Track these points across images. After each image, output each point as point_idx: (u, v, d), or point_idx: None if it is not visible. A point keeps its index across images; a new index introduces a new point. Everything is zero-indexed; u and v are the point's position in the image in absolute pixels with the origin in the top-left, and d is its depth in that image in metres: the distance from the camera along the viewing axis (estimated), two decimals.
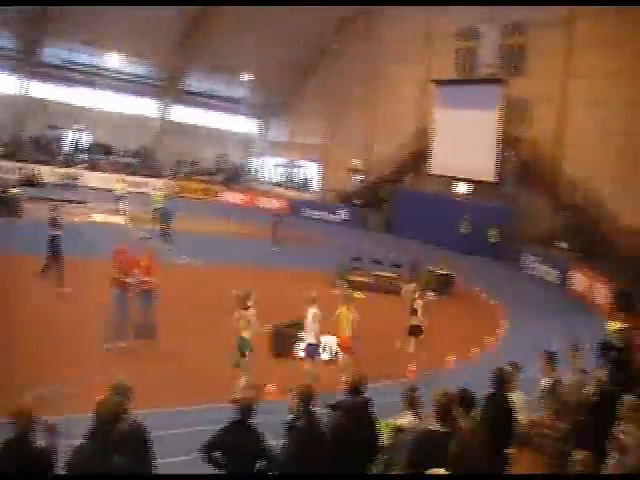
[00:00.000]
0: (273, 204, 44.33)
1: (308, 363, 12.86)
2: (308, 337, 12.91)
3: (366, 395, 6.82)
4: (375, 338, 16.68)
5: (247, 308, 12.06)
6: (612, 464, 7.86)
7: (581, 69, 31.96)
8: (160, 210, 29.14)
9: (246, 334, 11.95)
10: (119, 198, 32.91)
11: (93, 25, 39.71)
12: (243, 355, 11.83)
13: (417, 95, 41.57)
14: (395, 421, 6.91)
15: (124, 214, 31.61)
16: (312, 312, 12.85)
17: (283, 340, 14.48)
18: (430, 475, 7.18)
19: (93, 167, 45.48)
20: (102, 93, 48.09)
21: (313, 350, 12.94)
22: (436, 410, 6.08)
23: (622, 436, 7.69)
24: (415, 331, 15.62)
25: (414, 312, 15.75)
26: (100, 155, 47.98)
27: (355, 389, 6.67)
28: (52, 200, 24.80)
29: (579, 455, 6.02)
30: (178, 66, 47.31)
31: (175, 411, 10.63)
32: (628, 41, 29.49)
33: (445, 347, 16.08)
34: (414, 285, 17.12)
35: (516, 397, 8.26)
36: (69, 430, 6.24)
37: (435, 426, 6.02)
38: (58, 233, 17.86)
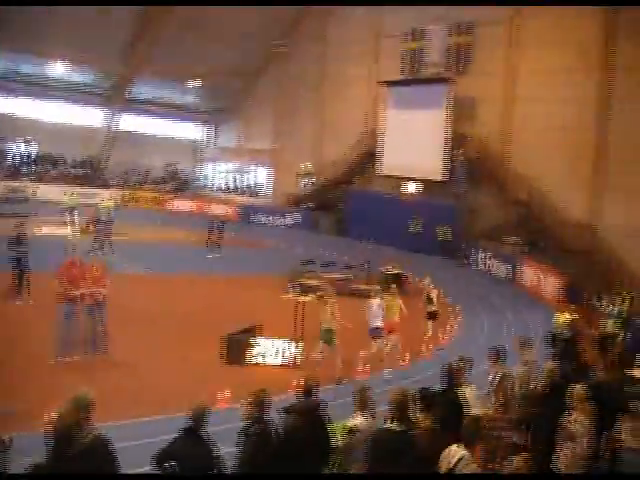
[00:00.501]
0: (222, 210, 44.22)
1: (375, 343, 14.72)
2: (374, 322, 14.80)
3: (318, 398, 6.83)
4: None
5: (327, 303, 14.12)
6: (563, 453, 8.04)
7: (524, 67, 32.55)
8: (106, 220, 28.80)
9: (331, 325, 13.97)
10: (70, 210, 32.32)
11: (36, 33, 38.87)
12: (329, 343, 13.77)
13: (366, 96, 41.79)
14: (348, 422, 6.94)
15: (74, 226, 31.09)
16: (377, 302, 14.95)
17: (237, 348, 14.40)
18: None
19: (40, 179, 44.68)
20: (48, 103, 47.36)
21: (376, 332, 14.78)
22: (392, 409, 6.11)
23: (571, 425, 7.86)
24: (433, 316, 18.45)
25: (430, 300, 18.43)
26: (47, 167, 47.18)
27: (307, 392, 6.67)
28: None
29: (517, 458, 6.14)
30: (124, 74, 46.74)
31: (128, 423, 10.49)
32: (569, 39, 30.11)
33: (400, 345, 16.14)
34: (429, 279, 19.37)
35: (467, 392, 8.35)
36: (20, 447, 6.12)
37: (391, 425, 6.05)
38: (25, 250, 17.77)
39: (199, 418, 6.09)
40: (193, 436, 6.03)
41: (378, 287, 17.08)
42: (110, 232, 27.88)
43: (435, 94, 35.61)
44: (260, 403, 6.34)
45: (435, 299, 18.61)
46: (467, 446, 6.05)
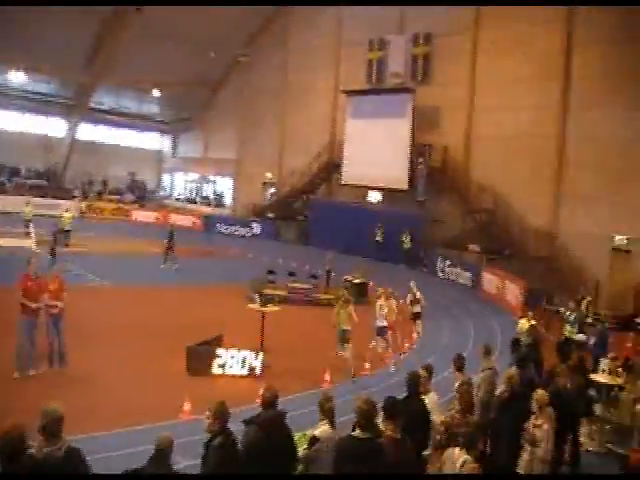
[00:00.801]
0: (186, 220, 44.08)
1: (380, 341, 16.13)
2: (378, 322, 16.09)
3: (280, 408, 6.78)
4: (293, 350, 16.72)
5: (347, 305, 15.32)
6: (525, 457, 8.11)
7: (484, 76, 32.94)
8: (65, 231, 28.49)
9: (349, 326, 15.06)
10: (27, 222, 31.83)
11: None
12: (346, 342, 14.92)
13: (328, 106, 41.97)
14: (311, 432, 6.90)
15: (32, 237, 30.63)
16: (380, 304, 16.25)
17: (199, 359, 14.27)
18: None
19: None
20: (6, 113, 46.69)
21: (381, 331, 16.12)
22: (357, 417, 6.09)
23: (532, 430, 7.94)
24: (417, 316, 19.51)
25: (417, 301, 19.48)
26: (5, 177, 46.47)
27: (268, 404, 6.62)
28: None
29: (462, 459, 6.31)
30: (85, 83, 46.25)
31: (90, 437, 10.30)
32: (528, 49, 30.58)
33: (362, 354, 16.15)
34: (414, 282, 20.36)
35: (430, 399, 8.36)
36: None
37: (356, 433, 6.03)
38: None
39: (165, 449, 5.93)
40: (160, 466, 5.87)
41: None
42: (69, 243, 27.63)
43: (397, 104, 35.85)
44: (221, 415, 6.27)
45: (421, 300, 19.61)
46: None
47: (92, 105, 49.06)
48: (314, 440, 6.58)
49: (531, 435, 8.01)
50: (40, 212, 35.42)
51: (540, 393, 8.15)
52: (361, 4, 38.09)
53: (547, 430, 7.91)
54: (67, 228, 30.69)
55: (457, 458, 6.54)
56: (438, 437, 7.55)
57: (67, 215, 31.20)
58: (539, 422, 7.98)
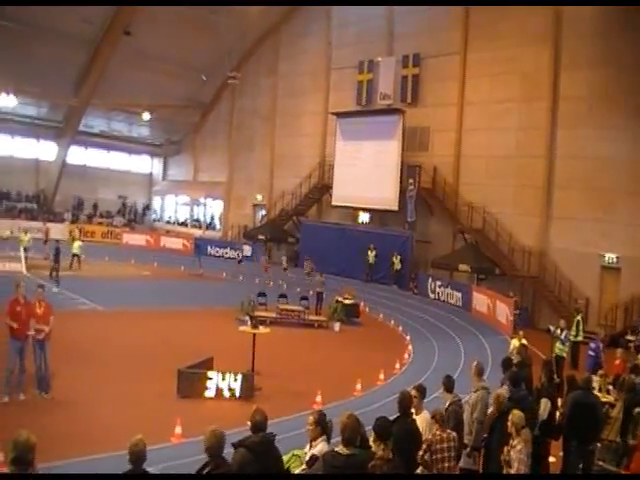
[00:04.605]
0: (176, 243, 44.19)
1: None
2: None
3: (269, 431, 6.75)
4: (284, 372, 16.70)
5: None
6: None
7: (473, 97, 33.18)
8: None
9: None
10: (25, 250, 31.55)
11: None
12: None
13: (318, 128, 42.09)
14: (302, 451, 6.88)
15: (22, 262, 30.45)
16: None
17: (190, 381, 14.21)
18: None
19: None
20: None
21: None
22: (341, 432, 6.09)
23: (509, 452, 7.93)
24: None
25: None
26: None
27: (257, 426, 6.59)
28: None
29: None
30: (75, 107, 46.27)
31: (74, 462, 10.22)
32: (515, 70, 30.86)
33: (354, 375, 16.13)
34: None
35: (422, 418, 8.36)
36: None
37: (339, 448, 6.02)
38: None
39: (137, 458, 5.90)
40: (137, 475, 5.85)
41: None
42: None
43: (386, 125, 35.99)
44: (218, 441, 6.20)
45: None
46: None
47: (82, 128, 48.96)
48: (314, 459, 6.56)
49: (504, 456, 8.02)
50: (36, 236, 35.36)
51: (516, 415, 8.12)
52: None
53: (520, 451, 7.86)
54: (75, 252, 31.32)
55: None
56: (420, 454, 7.57)
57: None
58: (514, 443, 7.97)
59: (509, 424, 8.02)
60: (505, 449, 8.01)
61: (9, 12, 35.91)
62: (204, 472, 5.99)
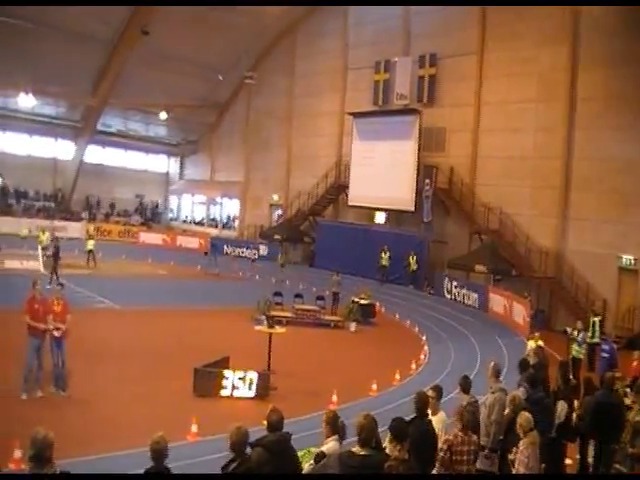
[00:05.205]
0: (192, 242, 44.35)
1: None
2: None
3: (286, 430, 6.78)
4: (300, 372, 16.72)
5: None
6: None
7: (490, 97, 33.03)
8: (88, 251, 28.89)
9: None
10: (43, 249, 31.81)
11: (2, 66, 38.68)
12: None
13: (334, 128, 42.09)
14: (316, 449, 6.91)
15: (39, 260, 30.70)
16: None
17: (206, 380, 14.26)
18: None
19: (6, 212, 44.21)
20: (14, 136, 47.11)
21: None
22: (357, 432, 6.09)
23: (514, 452, 7.89)
24: None
25: None
26: (13, 199, 46.78)
27: (274, 426, 6.61)
28: None
29: None
30: (92, 106, 46.57)
31: (92, 459, 10.29)
32: (533, 71, 30.72)
33: (369, 375, 16.13)
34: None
35: (439, 419, 8.34)
36: None
37: (355, 448, 6.02)
38: None
39: (159, 454, 5.96)
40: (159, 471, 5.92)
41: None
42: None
43: (403, 125, 35.91)
44: (241, 440, 6.21)
45: None
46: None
47: (100, 128, 49.33)
48: (321, 455, 6.59)
49: (512, 457, 7.99)
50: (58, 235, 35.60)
51: (523, 417, 8.06)
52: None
53: (522, 452, 7.81)
54: (90, 248, 31.71)
55: None
56: (441, 454, 7.51)
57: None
58: (521, 446, 7.92)
59: (517, 426, 7.99)
60: (513, 450, 7.98)
61: (28, 13, 36.17)
62: (230, 468, 6.02)
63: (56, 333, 13.44)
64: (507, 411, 9.09)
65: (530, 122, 30.89)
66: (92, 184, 50.28)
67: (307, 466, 6.89)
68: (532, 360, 13.06)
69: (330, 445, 6.68)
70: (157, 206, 56.59)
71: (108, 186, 52.00)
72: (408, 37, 37.37)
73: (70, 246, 33.32)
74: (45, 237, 32.82)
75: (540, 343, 16.32)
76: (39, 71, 39.69)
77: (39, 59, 39.11)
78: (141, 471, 6.09)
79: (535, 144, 30.70)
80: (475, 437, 7.95)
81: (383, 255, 34.21)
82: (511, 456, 7.97)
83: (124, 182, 53.28)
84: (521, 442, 7.84)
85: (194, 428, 11.60)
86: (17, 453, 9.26)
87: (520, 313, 25.70)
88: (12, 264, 30.05)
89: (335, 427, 6.82)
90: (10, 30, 36.64)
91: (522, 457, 7.71)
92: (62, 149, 49.57)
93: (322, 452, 6.63)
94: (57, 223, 42.48)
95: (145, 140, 54.10)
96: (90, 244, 31.98)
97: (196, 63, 43.71)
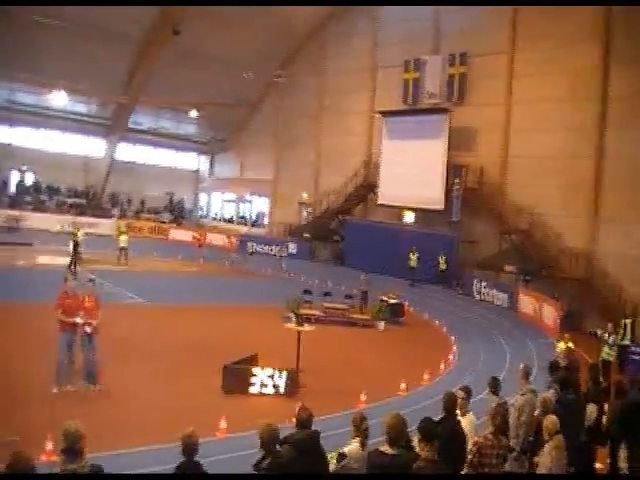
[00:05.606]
0: (221, 240, 44.53)
1: None
2: None
3: (315, 428, 6.80)
4: (328, 370, 16.74)
5: None
6: None
7: (521, 96, 32.80)
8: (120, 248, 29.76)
9: None
10: (77, 244, 32.09)
11: (34, 64, 39.22)
12: None
13: (364, 126, 42.10)
14: (343, 449, 6.92)
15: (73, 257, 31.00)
16: None
17: (235, 377, 14.34)
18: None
19: (39, 208, 44.78)
20: (47, 133, 47.74)
21: None
22: (386, 432, 6.09)
23: (540, 457, 7.79)
24: None
25: None
26: (46, 196, 47.40)
27: (303, 423, 6.64)
28: None
29: None
30: (123, 104, 47.03)
31: (125, 453, 10.40)
32: (564, 70, 30.44)
33: (398, 374, 16.11)
34: None
35: (468, 420, 8.31)
36: None
37: (384, 448, 6.02)
38: None
39: (191, 448, 6.04)
40: (190, 467, 5.98)
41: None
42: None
43: (433, 124, 35.81)
44: (271, 437, 6.25)
45: None
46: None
47: (130, 125, 49.82)
48: (342, 456, 6.60)
49: (538, 460, 7.90)
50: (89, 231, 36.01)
51: (549, 420, 7.96)
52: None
53: (550, 458, 7.71)
54: (122, 245, 32.03)
55: None
56: (470, 457, 7.45)
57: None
58: (545, 449, 7.83)
59: (543, 429, 7.90)
60: (539, 452, 7.91)
61: (61, 12, 36.63)
62: (263, 465, 6.07)
63: (87, 328, 13.60)
64: (537, 412, 9.01)
65: (561, 121, 30.61)
66: (123, 181, 50.76)
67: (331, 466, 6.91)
68: (562, 362, 12.95)
69: (352, 447, 6.69)
70: (181, 202, 56.85)
71: (139, 183, 52.46)
72: (438, 36, 37.28)
73: (102, 242, 33.66)
74: (80, 234, 33.12)
75: (570, 345, 16.18)
76: (71, 69, 40.24)
77: (71, 57, 39.61)
78: (171, 466, 6.16)
79: (566, 144, 30.41)
80: (505, 440, 7.88)
81: (411, 256, 33.86)
82: (536, 458, 7.89)
83: (154, 179, 53.73)
84: (546, 445, 7.76)
85: (223, 424, 11.66)
86: (49, 445, 9.42)
87: (550, 314, 25.47)
88: (44, 260, 30.48)
89: (358, 430, 6.82)
90: (44, 29, 37.16)
91: (546, 460, 7.63)
92: (93, 146, 50.12)
93: (343, 452, 6.65)
94: (87, 219, 42.82)
95: (175, 138, 54.49)
96: (123, 240, 32.18)
97: (226, 62, 43.88)
